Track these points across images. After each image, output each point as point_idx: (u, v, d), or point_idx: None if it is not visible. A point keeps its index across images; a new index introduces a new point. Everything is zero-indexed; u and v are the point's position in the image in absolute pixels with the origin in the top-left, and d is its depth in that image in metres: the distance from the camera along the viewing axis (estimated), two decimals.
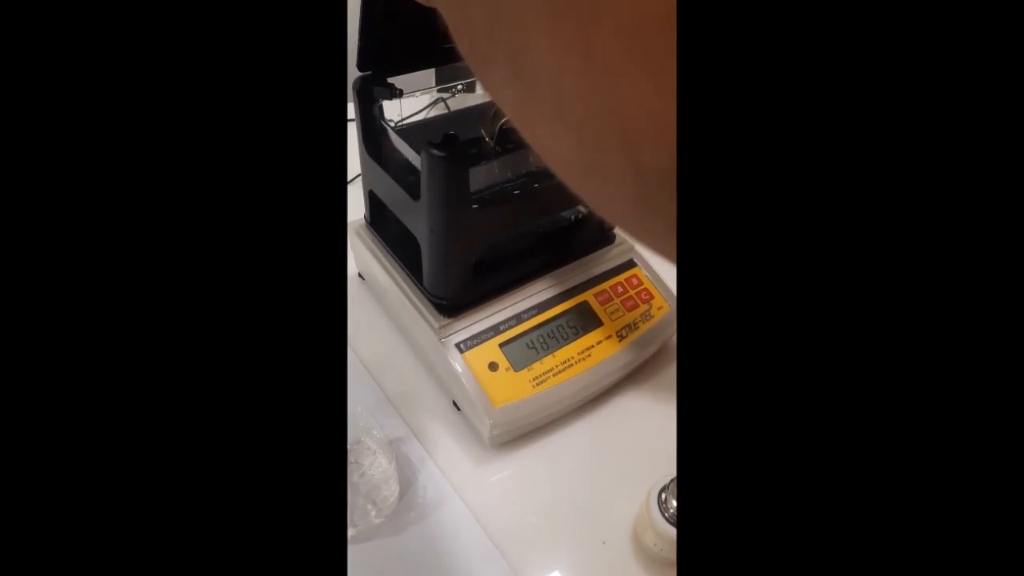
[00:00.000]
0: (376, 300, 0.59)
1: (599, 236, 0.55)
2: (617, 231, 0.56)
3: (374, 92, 0.45)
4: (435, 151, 0.38)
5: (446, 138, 0.39)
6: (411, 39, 0.43)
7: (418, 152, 0.41)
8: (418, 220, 0.44)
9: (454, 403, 0.50)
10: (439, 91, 0.72)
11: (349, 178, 0.74)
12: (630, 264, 0.55)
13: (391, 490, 0.42)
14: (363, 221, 0.55)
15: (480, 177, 0.43)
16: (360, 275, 0.60)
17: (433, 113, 0.79)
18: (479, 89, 0.66)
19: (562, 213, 0.55)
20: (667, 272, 0.56)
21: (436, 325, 0.47)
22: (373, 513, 0.41)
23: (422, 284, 0.48)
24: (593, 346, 0.50)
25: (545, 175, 0.48)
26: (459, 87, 0.60)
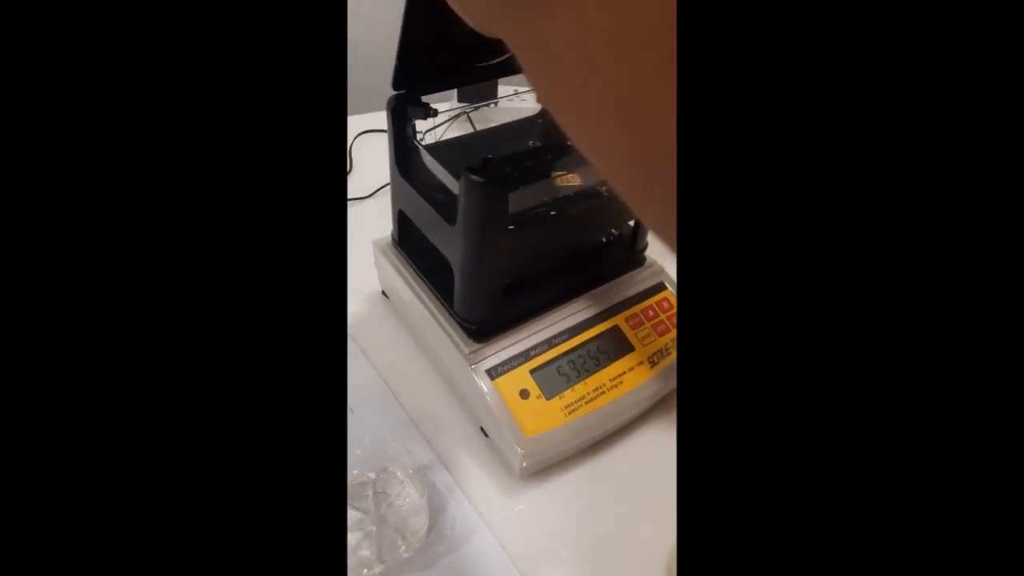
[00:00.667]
0: (400, 319, 0.58)
1: (628, 258, 0.54)
2: (648, 253, 0.55)
3: (408, 111, 0.44)
4: (474, 176, 0.37)
5: (485, 162, 0.38)
6: (448, 59, 0.42)
7: (453, 174, 0.40)
8: (452, 244, 0.43)
9: (481, 429, 0.48)
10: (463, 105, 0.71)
11: (374, 190, 0.72)
12: (660, 287, 0.54)
13: (420, 523, 0.41)
14: (390, 239, 0.54)
15: (516, 200, 0.42)
16: (384, 293, 0.59)
17: (456, 128, 0.78)
18: (502, 104, 0.65)
19: (595, 235, 0.53)
20: None
21: (466, 350, 0.46)
22: (403, 548, 0.40)
23: (451, 307, 0.47)
24: (625, 372, 0.48)
25: (581, 196, 0.47)
26: (492, 104, 0.59)
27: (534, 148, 0.43)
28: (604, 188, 0.49)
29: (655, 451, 0.49)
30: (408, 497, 0.42)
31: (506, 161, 0.38)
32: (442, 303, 0.48)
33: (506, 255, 0.43)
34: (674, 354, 0.50)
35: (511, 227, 0.43)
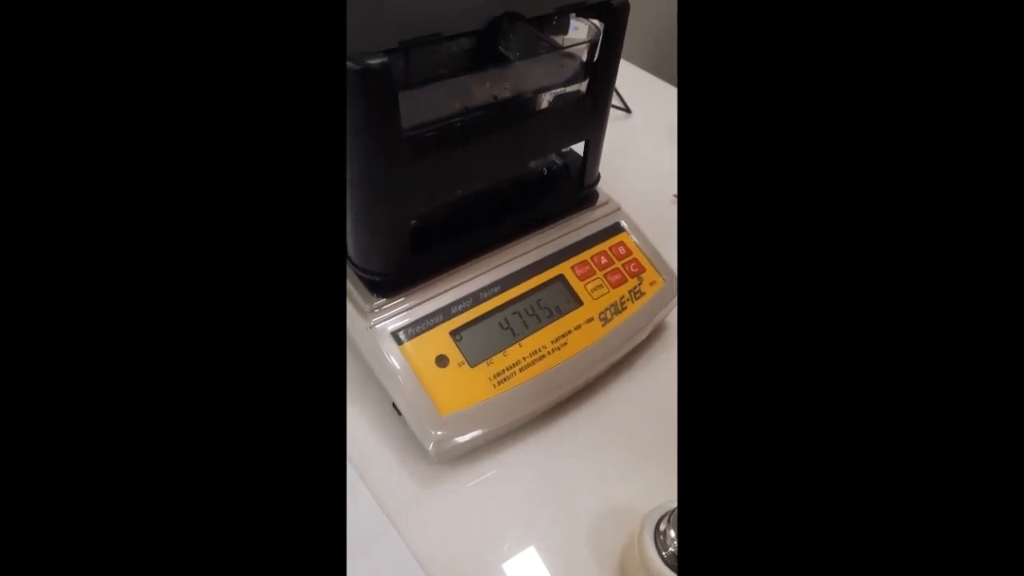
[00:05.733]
0: None
1: (576, 193, 0.44)
2: (601, 187, 0.45)
3: None
4: (351, 63, 0.27)
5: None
6: None
7: None
8: None
9: (393, 405, 0.39)
10: None
11: None
12: (616, 228, 0.44)
13: None
14: None
15: (420, 105, 0.32)
16: None
17: None
18: None
19: (532, 163, 0.44)
20: (661, 238, 0.45)
21: (366, 307, 0.36)
22: None
23: (348, 253, 0.37)
24: (570, 332, 0.39)
25: (513, 109, 0.36)
26: None
27: (438, 34, 0.32)
28: (547, 99, 0.39)
29: (609, 428, 0.40)
30: None
31: (396, 46, 0.28)
32: None
33: (408, 180, 0.33)
34: (631, 308, 0.41)
35: (415, 144, 0.33)
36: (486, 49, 0.35)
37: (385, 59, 0.27)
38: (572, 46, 0.37)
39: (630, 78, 0.70)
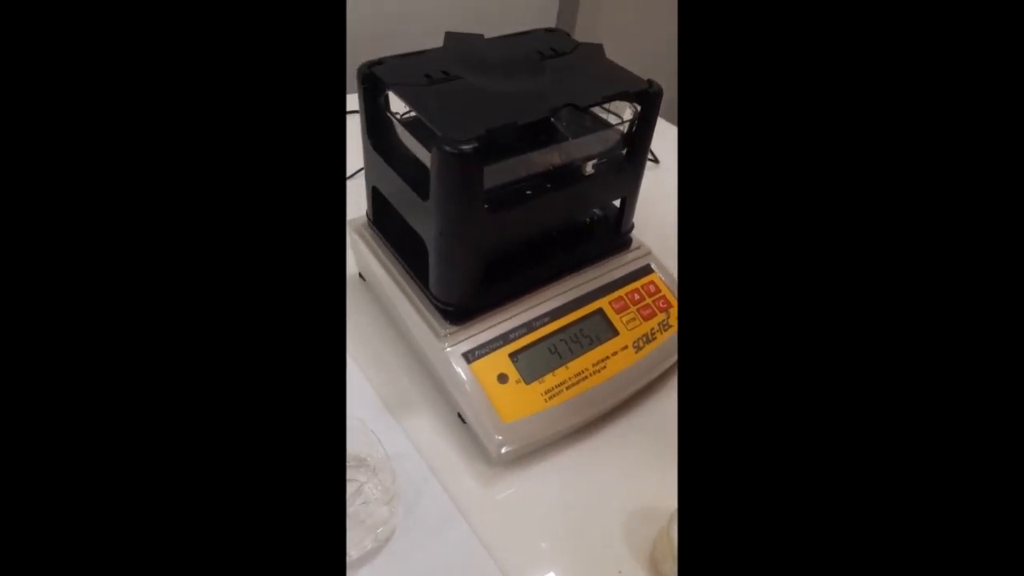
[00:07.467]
0: (377, 302, 0.55)
1: (614, 240, 0.52)
2: (634, 235, 0.53)
3: (379, 82, 0.42)
4: (447, 147, 0.35)
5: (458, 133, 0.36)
6: None
7: (427, 147, 0.38)
8: (426, 221, 0.40)
9: (459, 415, 0.46)
10: None
11: (350, 172, 0.70)
12: (647, 270, 0.52)
13: (391, 513, 0.39)
14: (365, 219, 0.52)
15: (495, 174, 0.40)
16: (361, 275, 0.57)
17: None
18: None
19: (578, 215, 0.51)
20: None
21: (442, 333, 0.44)
22: (369, 540, 0.38)
23: (427, 288, 0.45)
24: (608, 357, 0.46)
25: (565, 174, 0.44)
26: None
27: (514, 123, 0.40)
28: (588, 167, 0.47)
29: (641, 438, 0.47)
30: (379, 487, 0.40)
31: (487, 131, 0.36)
32: (418, 284, 0.46)
33: (483, 233, 0.41)
34: (660, 339, 0.49)
35: (487, 204, 0.41)
36: (547, 129, 0.43)
37: (477, 144, 0.35)
38: (616, 124, 0.45)
39: (657, 130, 0.78)
